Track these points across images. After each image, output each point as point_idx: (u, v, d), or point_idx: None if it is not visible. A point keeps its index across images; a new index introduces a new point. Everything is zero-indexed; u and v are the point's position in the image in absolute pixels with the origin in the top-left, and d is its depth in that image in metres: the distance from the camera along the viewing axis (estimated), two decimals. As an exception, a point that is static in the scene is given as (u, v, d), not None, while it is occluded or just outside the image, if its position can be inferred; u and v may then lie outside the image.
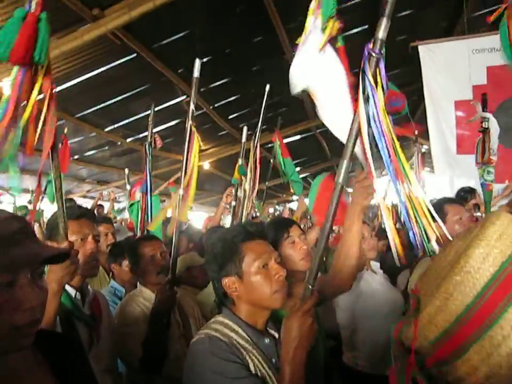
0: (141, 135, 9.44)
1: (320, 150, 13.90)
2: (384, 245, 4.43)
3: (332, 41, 1.80)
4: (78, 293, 1.86)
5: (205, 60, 6.97)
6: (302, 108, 9.48)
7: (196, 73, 2.71)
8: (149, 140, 3.60)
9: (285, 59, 7.09)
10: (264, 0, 5.80)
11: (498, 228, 0.98)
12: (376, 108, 1.48)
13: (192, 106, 2.74)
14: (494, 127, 3.01)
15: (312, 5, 1.82)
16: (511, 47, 1.89)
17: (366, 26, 7.02)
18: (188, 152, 2.66)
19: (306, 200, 3.95)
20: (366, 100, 1.51)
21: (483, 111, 3.02)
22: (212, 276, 1.62)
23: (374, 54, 1.52)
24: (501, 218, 1.01)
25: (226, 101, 8.70)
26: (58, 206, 1.63)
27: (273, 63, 7.47)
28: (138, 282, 2.62)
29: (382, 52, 1.54)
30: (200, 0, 5.63)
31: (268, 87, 4.02)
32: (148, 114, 4.36)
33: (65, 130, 5.90)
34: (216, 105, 8.85)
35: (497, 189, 4.42)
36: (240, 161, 4.05)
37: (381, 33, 1.52)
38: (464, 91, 4.44)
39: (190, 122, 2.71)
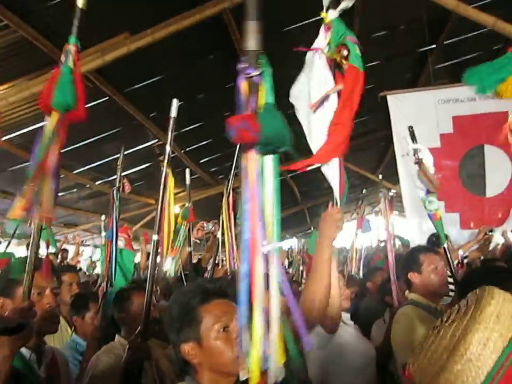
0: (110, 178, 9.30)
1: (291, 194, 14.02)
2: (352, 292, 4.40)
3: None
4: (33, 354, 1.71)
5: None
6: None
7: (174, 113, 2.64)
8: (117, 185, 3.48)
9: (256, 105, 7.20)
10: (237, 48, 5.93)
11: (495, 308, 0.93)
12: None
13: (168, 149, 2.67)
14: (427, 156, 3.06)
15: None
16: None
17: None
18: (163, 196, 2.59)
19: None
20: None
21: (413, 143, 3.08)
22: (171, 340, 1.51)
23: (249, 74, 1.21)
24: (495, 296, 0.96)
25: (198, 145, 8.72)
26: (29, 256, 1.49)
27: (245, 109, 7.58)
28: (117, 335, 2.50)
29: (258, 65, 1.22)
30: (174, 45, 5.69)
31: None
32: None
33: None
34: (187, 149, 8.85)
35: (467, 234, 4.50)
36: (186, 204, 4.02)
37: (250, 41, 1.23)
38: (432, 139, 4.58)
39: (166, 165, 2.64)
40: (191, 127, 7.96)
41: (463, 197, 4.56)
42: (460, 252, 4.06)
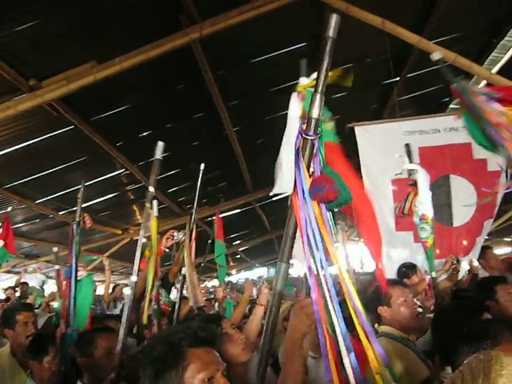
0: (74, 208, 9.03)
1: (260, 223, 13.98)
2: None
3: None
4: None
5: (144, 134, 6.93)
6: (242, 182, 9.57)
7: (158, 155, 2.59)
8: (77, 219, 3.28)
9: (224, 135, 7.22)
10: (206, 79, 5.94)
11: (507, 378, 0.87)
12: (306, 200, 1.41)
13: (151, 190, 2.59)
14: (421, 177, 3.07)
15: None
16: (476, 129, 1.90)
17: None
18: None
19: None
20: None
21: (410, 162, 3.09)
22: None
23: (308, 136, 1.41)
24: (505, 366, 0.89)
25: (165, 175, 8.60)
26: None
27: (213, 139, 7.58)
28: (78, 381, 2.32)
29: (318, 131, 1.43)
30: (143, 74, 5.65)
31: (202, 165, 3.98)
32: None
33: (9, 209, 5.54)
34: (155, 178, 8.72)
35: (436, 263, 4.52)
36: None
37: (315, 111, 1.41)
38: (399, 170, 4.64)
39: (148, 206, 2.55)
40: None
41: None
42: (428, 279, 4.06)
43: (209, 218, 10.96)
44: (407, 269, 4.18)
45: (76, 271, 2.99)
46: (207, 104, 6.58)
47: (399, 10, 5.96)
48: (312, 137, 1.41)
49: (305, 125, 1.43)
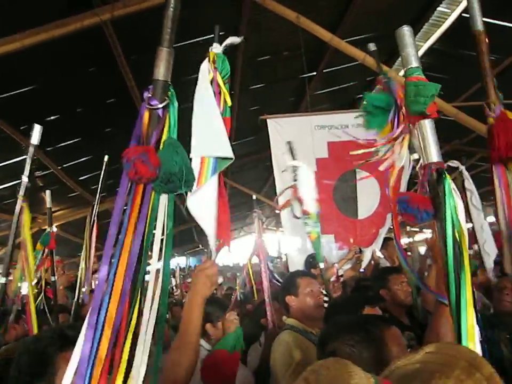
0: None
1: (179, 212, 13.80)
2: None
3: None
4: None
5: (53, 117, 6.53)
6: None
7: (35, 139, 2.31)
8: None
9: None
10: (119, 64, 5.70)
11: None
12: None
13: (25, 180, 2.35)
14: (303, 174, 3.16)
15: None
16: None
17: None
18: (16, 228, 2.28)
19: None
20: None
21: (293, 159, 3.18)
22: None
23: (152, 106, 1.20)
24: (352, 375, 0.84)
25: (77, 161, 8.18)
26: None
27: (128, 125, 7.32)
28: None
29: (167, 96, 1.23)
30: (48, 56, 5.28)
31: (106, 157, 3.82)
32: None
33: None
34: (65, 165, 8.25)
35: (342, 254, 4.73)
36: (48, 229, 3.69)
37: (161, 71, 1.21)
38: (309, 163, 4.73)
39: (21, 197, 2.31)
40: (68, 142, 7.45)
41: (337, 219, 4.80)
42: (336, 266, 4.24)
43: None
44: (314, 259, 4.31)
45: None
46: (120, 89, 6.32)
47: (316, 7, 6.10)
48: (157, 107, 1.19)
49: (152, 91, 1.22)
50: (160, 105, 1.17)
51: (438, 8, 7.01)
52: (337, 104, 9.25)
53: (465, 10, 6.91)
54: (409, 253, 4.99)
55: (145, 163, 1.08)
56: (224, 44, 1.72)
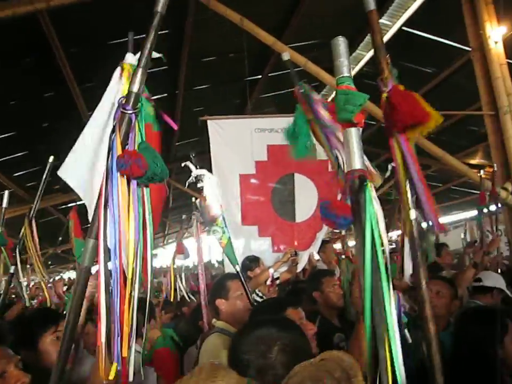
0: None
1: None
2: (168, 317, 4.34)
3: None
4: None
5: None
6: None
7: None
8: None
9: (77, 118, 6.76)
10: (57, 56, 5.49)
11: None
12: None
13: None
14: (209, 182, 3.17)
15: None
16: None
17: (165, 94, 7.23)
18: None
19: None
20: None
21: (196, 168, 3.17)
22: None
23: (126, 111, 1.38)
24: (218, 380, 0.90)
25: (10, 156, 7.78)
26: None
27: (66, 121, 7.06)
28: None
29: (137, 106, 1.41)
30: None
31: (51, 158, 3.66)
32: None
33: None
34: (-3, 160, 7.84)
35: (278, 257, 4.75)
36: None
37: (135, 85, 1.38)
38: (248, 166, 4.77)
39: None
40: (1, 136, 7.07)
41: (274, 222, 4.81)
42: (271, 270, 4.26)
43: (64, 206, 10.27)
44: (250, 262, 4.31)
45: None
46: (58, 83, 6.08)
47: (262, 12, 6.14)
48: (130, 112, 1.38)
49: (125, 99, 1.40)
50: (132, 111, 1.37)
51: (380, 20, 7.24)
52: (283, 108, 9.34)
53: (406, 23, 7.22)
54: (343, 256, 5.12)
55: (139, 167, 1.33)
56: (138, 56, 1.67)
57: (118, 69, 1.78)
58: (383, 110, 1.31)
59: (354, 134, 1.26)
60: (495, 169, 5.14)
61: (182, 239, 5.69)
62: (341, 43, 1.29)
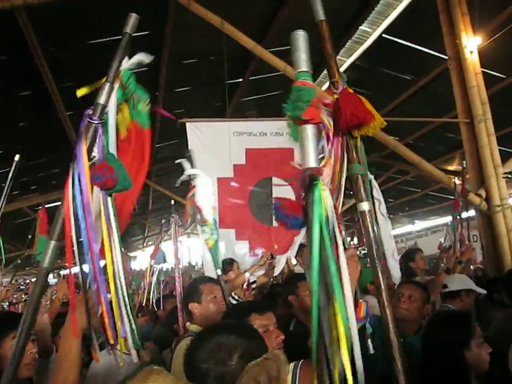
0: None
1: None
2: (144, 320, 4.29)
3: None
4: None
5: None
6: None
7: None
8: None
9: (55, 118, 6.67)
10: (35, 56, 5.40)
11: None
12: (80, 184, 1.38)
13: None
14: (201, 183, 3.16)
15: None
16: None
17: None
18: None
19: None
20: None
21: (192, 168, 3.17)
22: None
23: (92, 121, 1.44)
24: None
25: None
26: None
27: (43, 122, 6.96)
28: None
29: (103, 118, 1.48)
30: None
31: (17, 157, 3.61)
32: None
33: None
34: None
35: (254, 260, 4.75)
36: None
37: (102, 98, 1.46)
38: (226, 169, 4.77)
39: None
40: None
41: (252, 226, 4.81)
42: (247, 274, 4.26)
43: (40, 208, 10.07)
44: (226, 265, 4.31)
45: None
46: (35, 82, 5.99)
47: (243, 15, 6.15)
48: (96, 122, 1.44)
49: (92, 110, 1.47)
50: (98, 122, 1.44)
51: (361, 27, 7.33)
52: (263, 111, 9.37)
53: (386, 31, 7.32)
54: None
55: (114, 180, 1.42)
56: (131, 61, 1.67)
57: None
58: (333, 110, 1.32)
59: (309, 131, 1.24)
60: (464, 166, 5.25)
61: (161, 242, 5.65)
62: (299, 37, 1.27)
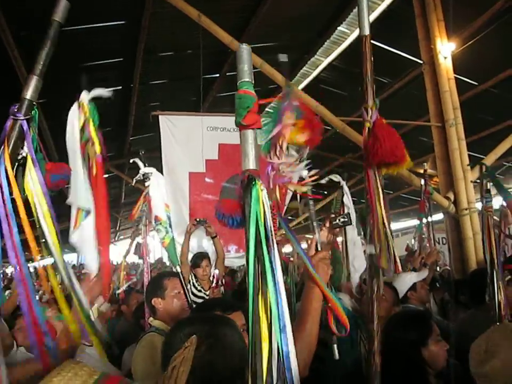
0: None
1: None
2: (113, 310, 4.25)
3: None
4: None
5: None
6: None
7: None
8: None
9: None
10: (3, 40, 5.24)
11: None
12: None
13: None
14: (155, 181, 3.15)
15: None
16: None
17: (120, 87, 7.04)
18: None
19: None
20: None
21: (145, 166, 3.15)
22: None
23: (17, 117, 1.35)
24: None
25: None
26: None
27: (7, 103, 6.74)
28: None
29: (31, 114, 1.39)
30: None
31: None
32: None
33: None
34: None
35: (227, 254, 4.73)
36: None
37: (29, 92, 1.36)
38: (197, 164, 4.72)
39: None
40: None
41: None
42: (215, 270, 4.24)
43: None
44: (197, 259, 4.29)
45: None
46: (4, 68, 5.80)
47: (222, 10, 6.10)
48: (21, 118, 1.36)
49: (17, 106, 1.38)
50: (23, 118, 1.35)
51: (339, 28, 7.37)
52: (230, 110, 9.34)
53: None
54: (291, 259, 5.14)
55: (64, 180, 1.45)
56: (92, 94, 1.63)
57: (75, 105, 1.70)
58: (363, 139, 1.30)
59: (249, 136, 1.26)
60: (426, 168, 5.34)
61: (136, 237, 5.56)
62: (243, 50, 1.31)
